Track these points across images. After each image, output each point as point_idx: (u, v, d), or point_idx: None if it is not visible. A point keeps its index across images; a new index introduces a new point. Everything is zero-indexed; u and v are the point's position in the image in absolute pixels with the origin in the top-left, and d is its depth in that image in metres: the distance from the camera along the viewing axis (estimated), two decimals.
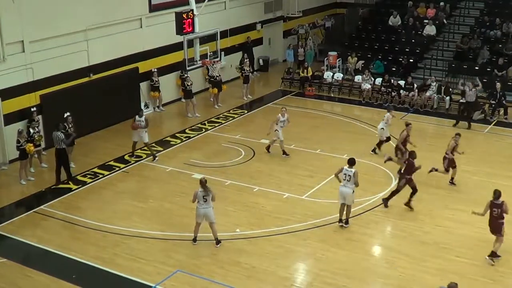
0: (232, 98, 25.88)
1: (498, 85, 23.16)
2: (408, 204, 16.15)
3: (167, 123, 23.75)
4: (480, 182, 17.89)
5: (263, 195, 17.03)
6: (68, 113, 18.91)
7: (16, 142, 17.90)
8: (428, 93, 24.70)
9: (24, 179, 18.10)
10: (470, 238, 14.82)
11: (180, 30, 20.69)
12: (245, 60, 26.85)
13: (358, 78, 26.91)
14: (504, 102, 23.15)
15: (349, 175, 14.98)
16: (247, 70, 26.18)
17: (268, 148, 20.02)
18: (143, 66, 23.79)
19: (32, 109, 19.34)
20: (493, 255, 13.77)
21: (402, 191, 16.20)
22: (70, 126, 18.81)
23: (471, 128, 22.20)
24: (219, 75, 24.78)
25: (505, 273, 13.36)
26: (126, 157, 19.85)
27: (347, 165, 15.12)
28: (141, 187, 17.58)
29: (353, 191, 15.04)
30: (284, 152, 19.57)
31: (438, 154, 19.49)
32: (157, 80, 24.01)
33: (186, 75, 23.95)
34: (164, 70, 24.52)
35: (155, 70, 23.92)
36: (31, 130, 18.39)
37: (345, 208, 15.28)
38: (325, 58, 29.18)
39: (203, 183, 14.19)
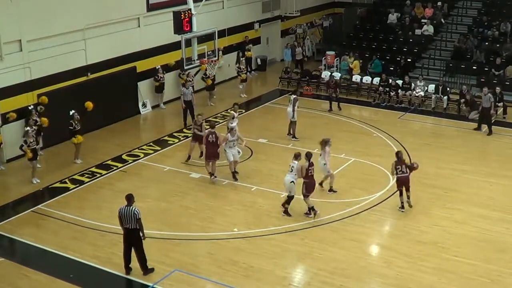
0: (230, 98, 25.84)
1: (498, 89, 23.19)
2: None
3: (165, 122, 23.75)
4: (477, 181, 17.91)
5: (261, 195, 17.03)
6: (73, 111, 18.93)
7: (24, 143, 17.79)
8: (420, 93, 24.71)
9: (37, 177, 17.96)
10: (467, 238, 14.83)
11: (178, 29, 20.69)
12: (241, 59, 26.82)
13: (356, 77, 26.94)
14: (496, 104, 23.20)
15: (292, 167, 15.61)
16: (242, 69, 26.20)
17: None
18: (141, 65, 23.78)
19: (29, 107, 19.27)
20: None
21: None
22: (76, 123, 18.81)
23: (492, 132, 21.70)
24: (210, 75, 24.67)
25: (503, 272, 13.37)
26: (124, 157, 19.86)
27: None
28: (139, 187, 17.56)
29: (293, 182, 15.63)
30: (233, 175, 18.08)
31: (435, 153, 19.61)
32: (162, 76, 24.03)
33: (186, 73, 23.93)
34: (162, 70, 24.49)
35: (159, 67, 23.95)
36: (28, 129, 18.16)
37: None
38: (323, 58, 29.20)
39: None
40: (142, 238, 13.11)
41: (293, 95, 21.28)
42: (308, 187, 15.58)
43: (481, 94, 23.18)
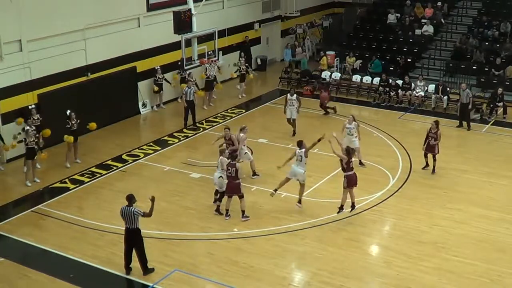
0: (230, 98, 25.89)
1: (500, 90, 23.24)
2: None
3: (165, 123, 23.76)
4: (477, 181, 17.92)
5: (261, 195, 17.03)
6: (70, 110, 18.91)
7: (24, 141, 17.77)
8: (420, 93, 24.74)
9: (30, 180, 17.88)
10: (467, 238, 14.84)
11: (178, 29, 20.71)
12: (241, 59, 26.89)
13: (356, 77, 26.95)
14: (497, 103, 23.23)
15: (300, 156, 15.89)
16: (243, 69, 26.22)
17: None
18: (141, 65, 23.79)
19: (30, 107, 19.24)
20: None
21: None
22: (73, 122, 18.81)
23: (471, 128, 22.15)
24: (211, 75, 24.71)
25: (503, 272, 13.37)
26: (124, 157, 19.86)
27: (298, 148, 16.10)
28: (139, 187, 17.55)
29: (304, 171, 16.01)
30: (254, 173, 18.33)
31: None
32: (160, 77, 24.05)
33: (185, 73, 23.92)
34: (162, 70, 24.45)
35: (158, 67, 23.95)
36: (28, 128, 18.19)
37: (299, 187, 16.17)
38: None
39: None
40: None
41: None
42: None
43: (481, 94, 23.30)
